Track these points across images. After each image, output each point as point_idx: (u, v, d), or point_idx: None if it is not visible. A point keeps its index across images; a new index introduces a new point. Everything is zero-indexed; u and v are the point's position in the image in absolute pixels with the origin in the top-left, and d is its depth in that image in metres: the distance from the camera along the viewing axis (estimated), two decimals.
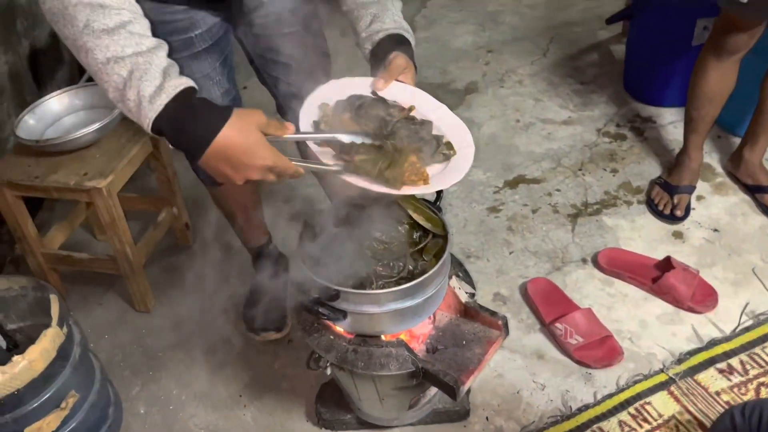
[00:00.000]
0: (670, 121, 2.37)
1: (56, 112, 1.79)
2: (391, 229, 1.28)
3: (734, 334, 1.65)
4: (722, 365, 1.58)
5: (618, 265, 1.84)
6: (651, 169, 2.19)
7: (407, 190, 1.05)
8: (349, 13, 1.28)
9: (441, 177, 1.10)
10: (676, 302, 1.73)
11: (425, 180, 1.06)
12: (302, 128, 1.12)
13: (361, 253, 1.22)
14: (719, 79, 1.86)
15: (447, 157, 1.12)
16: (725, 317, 1.70)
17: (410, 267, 1.23)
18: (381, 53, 1.20)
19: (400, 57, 1.19)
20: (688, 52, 2.28)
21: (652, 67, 2.39)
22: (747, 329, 1.66)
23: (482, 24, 3.19)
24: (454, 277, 1.35)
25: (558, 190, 2.15)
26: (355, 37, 1.26)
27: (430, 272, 1.18)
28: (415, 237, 1.28)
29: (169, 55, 0.99)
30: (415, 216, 1.28)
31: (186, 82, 0.96)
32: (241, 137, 0.96)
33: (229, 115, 0.96)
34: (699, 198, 2.05)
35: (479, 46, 3.01)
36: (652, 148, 2.27)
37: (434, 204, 1.35)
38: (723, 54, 1.81)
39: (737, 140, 2.18)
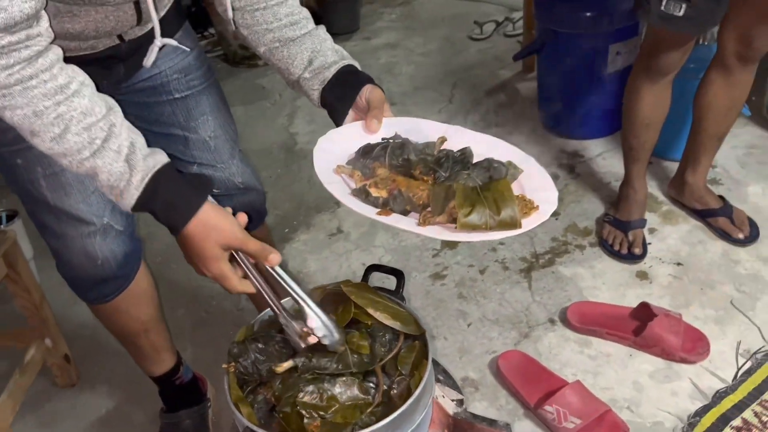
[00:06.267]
0: (598, 153, 2.24)
1: None
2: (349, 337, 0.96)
3: (738, 382, 1.45)
4: (737, 422, 1.37)
5: (591, 321, 1.61)
6: (593, 207, 2.02)
7: (528, 225, 0.89)
8: (273, 53, 1.06)
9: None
10: (666, 354, 1.51)
11: (535, 207, 0.91)
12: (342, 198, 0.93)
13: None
14: (654, 102, 1.72)
15: (515, 177, 0.98)
16: (721, 362, 1.50)
17: (384, 387, 0.92)
18: (342, 92, 1.04)
19: (376, 90, 1.04)
20: (604, 80, 2.17)
21: (568, 100, 2.26)
22: (748, 372, 1.47)
23: (378, 77, 2.99)
24: (435, 384, 1.05)
25: (501, 244, 1.93)
26: (288, 77, 1.08)
27: (417, 392, 0.87)
28: (382, 342, 0.98)
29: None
30: (377, 315, 0.98)
31: (156, 161, 0.87)
32: (198, 241, 0.88)
33: (198, 207, 0.88)
34: (651, 231, 1.89)
35: None
36: (587, 184, 2.12)
37: (396, 293, 1.06)
38: (656, 75, 1.68)
39: (670, 164, 2.08)
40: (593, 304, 1.66)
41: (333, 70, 1.05)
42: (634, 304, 1.62)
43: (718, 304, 1.64)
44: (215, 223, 0.88)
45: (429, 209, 0.90)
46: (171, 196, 0.86)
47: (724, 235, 1.82)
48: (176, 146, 1.22)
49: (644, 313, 1.57)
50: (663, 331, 1.51)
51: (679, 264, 1.77)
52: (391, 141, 1.00)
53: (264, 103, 2.91)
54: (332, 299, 1.03)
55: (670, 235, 1.87)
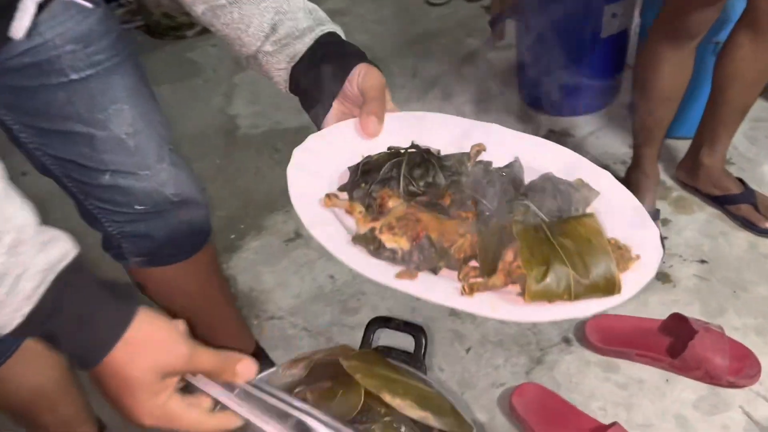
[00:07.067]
0: (590, 131, 1.96)
1: None
2: None
3: None
4: None
5: (616, 340, 1.33)
6: None
7: (631, 289, 0.58)
8: (217, 15, 0.71)
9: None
10: (710, 378, 1.26)
11: (634, 256, 0.60)
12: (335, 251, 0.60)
13: None
14: (676, 72, 1.45)
15: (588, 203, 0.66)
16: None
17: None
18: (322, 74, 0.71)
19: (372, 71, 0.70)
20: (597, 47, 1.89)
21: (555, 72, 1.96)
22: None
23: None
24: None
25: None
26: (240, 50, 0.74)
27: None
28: None
29: None
30: (397, 403, 0.65)
31: (63, 252, 0.51)
32: (121, 371, 0.52)
33: (129, 322, 0.52)
34: (664, 222, 1.63)
35: None
36: None
37: (415, 361, 0.74)
38: (681, 39, 1.40)
39: (675, 143, 1.82)
40: (615, 318, 1.39)
41: (308, 41, 0.72)
42: (660, 314, 1.36)
43: (756, 310, 1.40)
44: (145, 339, 0.52)
45: (473, 264, 0.60)
46: (85, 307, 0.51)
47: (748, 225, 1.58)
48: (78, 149, 0.85)
49: (677, 326, 1.31)
50: (706, 351, 1.25)
51: (703, 262, 1.51)
52: (403, 151, 0.68)
53: (195, 81, 2.50)
54: (324, 373, 0.70)
55: (686, 226, 1.62)
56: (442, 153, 0.70)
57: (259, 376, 0.72)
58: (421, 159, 0.66)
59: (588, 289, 0.57)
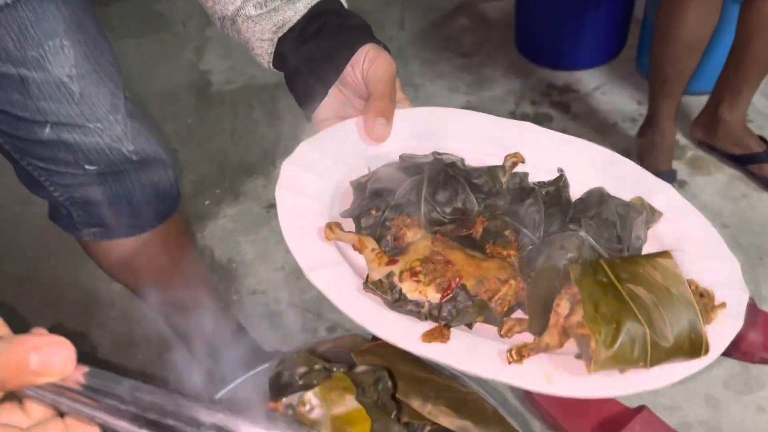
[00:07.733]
0: (595, 87, 1.81)
1: None
2: None
3: None
4: None
5: None
6: None
7: (717, 347, 0.45)
8: None
9: None
10: (742, 355, 1.15)
11: (719, 303, 0.48)
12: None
13: None
14: (704, 17, 1.31)
15: (649, 226, 0.54)
16: None
17: None
18: (318, 52, 0.56)
19: (382, 56, 0.56)
20: None
21: (556, 21, 1.81)
22: None
23: None
24: None
25: None
26: (215, 10, 0.58)
27: None
28: None
29: None
30: (428, 411, 0.50)
31: None
32: None
33: None
34: (681, 184, 1.50)
35: None
36: (589, 126, 1.70)
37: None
38: None
39: (687, 98, 1.68)
40: None
41: (301, 8, 0.57)
42: None
43: None
44: None
45: (517, 316, 0.47)
46: None
47: None
48: (7, 95, 0.68)
49: None
50: None
51: (724, 227, 1.39)
52: (423, 163, 0.53)
53: (163, 35, 2.29)
54: (329, 370, 0.55)
55: (704, 188, 1.49)
56: (466, 161, 0.55)
57: (244, 377, 0.57)
58: (446, 176, 0.51)
59: (669, 353, 0.44)
